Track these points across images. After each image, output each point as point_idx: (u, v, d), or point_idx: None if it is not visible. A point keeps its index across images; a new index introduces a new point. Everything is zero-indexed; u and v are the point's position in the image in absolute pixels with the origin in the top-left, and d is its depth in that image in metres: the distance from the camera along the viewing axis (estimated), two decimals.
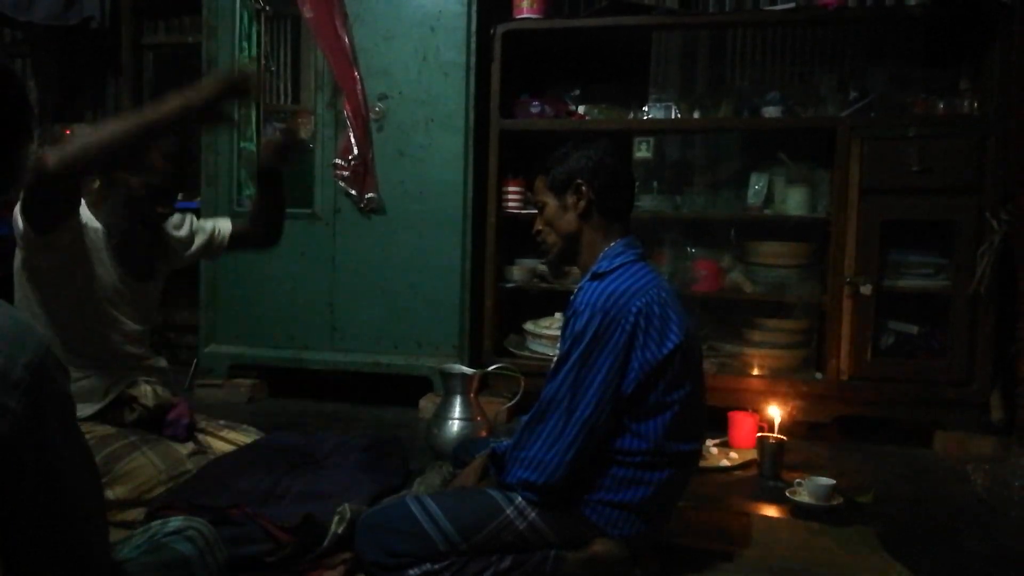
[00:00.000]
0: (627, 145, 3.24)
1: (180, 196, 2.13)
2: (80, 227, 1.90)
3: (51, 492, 0.91)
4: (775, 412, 2.65)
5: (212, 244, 2.26)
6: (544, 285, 3.27)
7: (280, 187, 2.20)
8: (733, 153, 3.29)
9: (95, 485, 1.04)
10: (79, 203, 1.85)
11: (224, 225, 2.29)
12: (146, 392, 2.05)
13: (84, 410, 1.95)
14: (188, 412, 2.12)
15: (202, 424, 2.19)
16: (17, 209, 1.77)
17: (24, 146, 1.02)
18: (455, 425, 2.44)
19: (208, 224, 2.27)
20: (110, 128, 1.62)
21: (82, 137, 1.66)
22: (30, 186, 1.66)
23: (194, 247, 2.24)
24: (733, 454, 2.60)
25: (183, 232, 2.22)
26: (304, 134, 2.44)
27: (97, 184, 2.00)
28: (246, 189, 3.37)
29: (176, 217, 2.18)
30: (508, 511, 1.58)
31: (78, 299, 1.95)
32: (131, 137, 1.61)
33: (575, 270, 1.80)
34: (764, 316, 3.12)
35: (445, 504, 1.60)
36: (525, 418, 1.64)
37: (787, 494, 2.19)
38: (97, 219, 1.98)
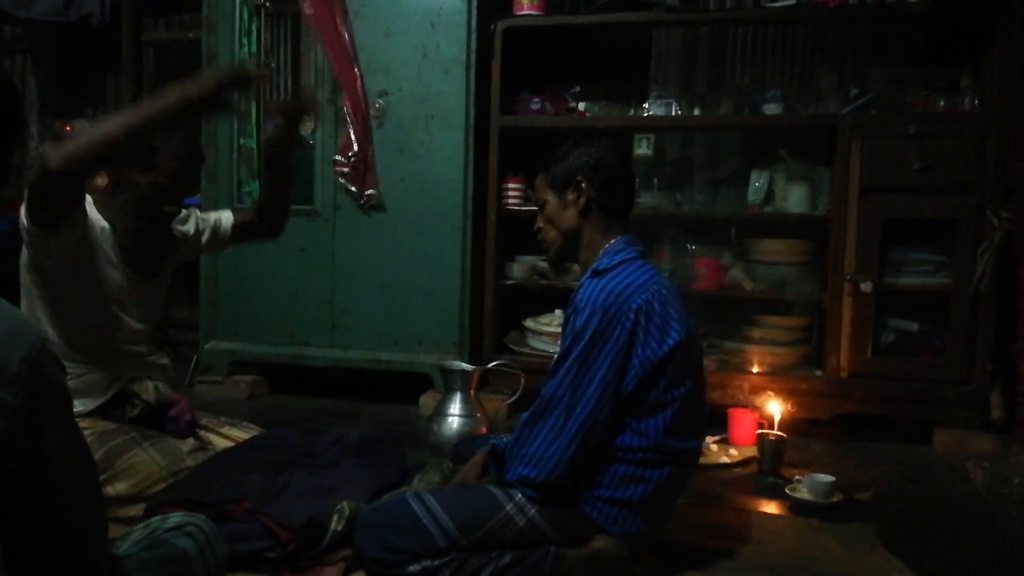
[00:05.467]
0: (627, 142, 3.23)
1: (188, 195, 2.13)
2: (86, 225, 1.90)
3: (48, 486, 0.91)
4: (775, 409, 2.66)
5: (216, 237, 2.25)
6: (544, 282, 3.27)
7: (288, 172, 2.17)
8: (733, 150, 3.29)
9: (93, 480, 1.04)
10: (83, 200, 1.85)
11: (226, 217, 2.28)
12: (147, 388, 2.05)
13: (86, 405, 1.96)
14: (189, 409, 2.12)
15: (203, 421, 2.20)
16: (22, 208, 1.77)
17: (17, 147, 1.02)
18: (455, 422, 2.44)
19: (211, 216, 2.27)
20: (110, 123, 1.64)
21: (83, 133, 1.66)
22: (34, 183, 1.67)
23: (199, 241, 2.23)
24: (733, 451, 2.61)
25: (188, 227, 2.21)
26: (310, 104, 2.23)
27: (105, 182, 2.00)
28: (245, 185, 3.37)
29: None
30: (508, 508, 1.58)
31: (83, 297, 1.95)
32: (132, 130, 1.62)
33: (576, 267, 1.80)
34: (764, 313, 3.12)
35: (445, 501, 1.60)
36: (525, 415, 1.64)
37: (787, 491, 2.19)
38: (104, 218, 1.98)
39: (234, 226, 2.26)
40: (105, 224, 1.97)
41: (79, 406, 1.92)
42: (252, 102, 3.36)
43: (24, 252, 1.90)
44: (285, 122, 2.01)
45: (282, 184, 2.19)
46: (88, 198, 1.96)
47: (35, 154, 1.66)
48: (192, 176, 2.04)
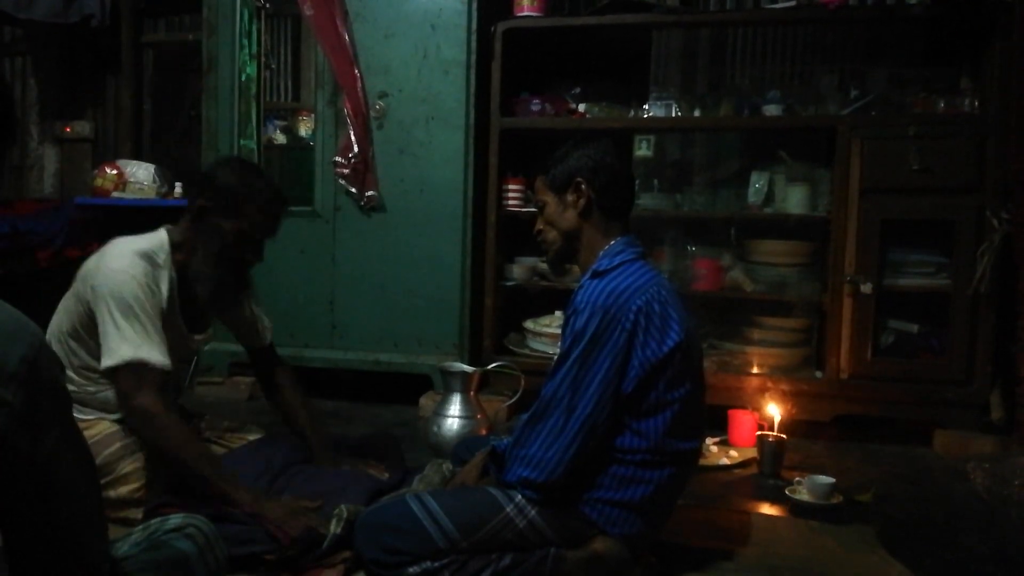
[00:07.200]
0: (627, 143, 3.24)
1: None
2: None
3: (48, 485, 0.92)
4: (775, 410, 2.65)
5: (248, 323, 2.22)
6: (544, 283, 3.27)
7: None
8: (733, 152, 3.29)
9: (92, 480, 1.04)
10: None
11: (268, 324, 2.26)
12: None
13: (94, 415, 1.94)
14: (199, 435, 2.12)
15: (206, 433, 2.19)
16: (110, 346, 1.78)
17: (9, 146, 1.02)
18: (455, 423, 2.44)
19: (260, 311, 2.23)
20: (198, 465, 1.75)
21: (182, 446, 1.77)
22: (122, 398, 1.80)
23: (251, 321, 2.20)
24: (733, 452, 2.60)
25: (249, 305, 2.18)
26: None
27: (186, 225, 1.94)
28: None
29: None
30: (508, 509, 1.58)
31: None
32: (197, 482, 1.75)
33: (576, 268, 1.80)
34: (764, 315, 3.12)
35: (445, 502, 1.60)
36: (525, 416, 1.64)
37: (787, 492, 2.19)
38: (175, 266, 1.92)
39: (263, 344, 2.27)
40: (173, 275, 1.92)
41: (88, 415, 1.91)
42: (253, 103, 3.36)
43: (72, 302, 1.88)
44: None
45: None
46: (163, 240, 1.92)
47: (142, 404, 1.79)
48: (277, 222, 1.96)
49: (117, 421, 1.95)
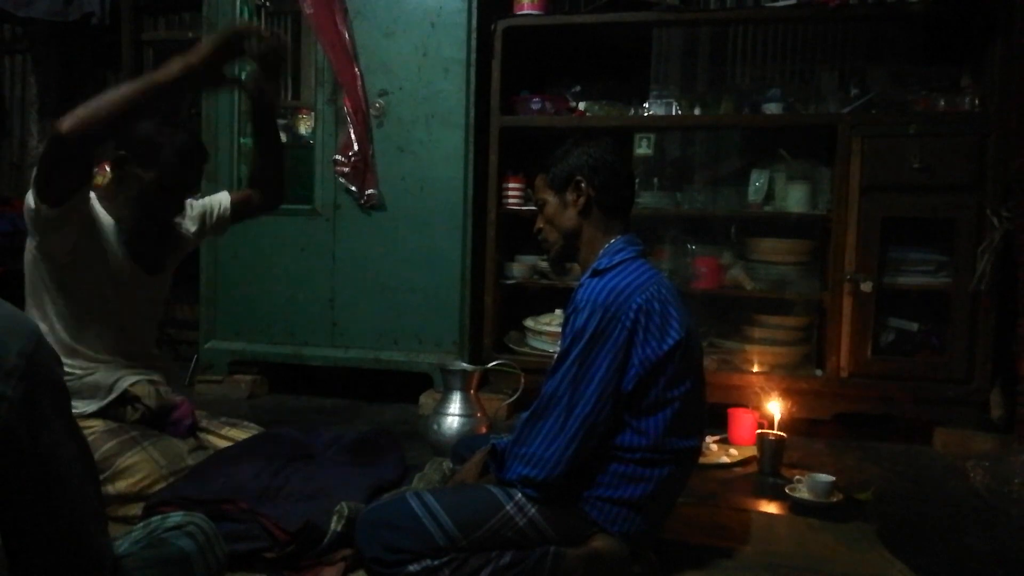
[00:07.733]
0: (628, 142, 3.23)
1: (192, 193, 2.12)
2: (92, 216, 1.91)
3: (48, 480, 0.92)
4: (775, 409, 2.66)
5: (215, 220, 2.22)
6: (544, 282, 3.27)
7: (275, 129, 2.12)
8: (734, 150, 3.29)
9: (92, 474, 1.04)
10: (91, 176, 1.83)
11: (223, 198, 2.25)
12: (149, 392, 2.04)
13: (87, 406, 1.96)
14: (191, 412, 2.12)
15: (203, 423, 2.19)
16: (30, 193, 1.75)
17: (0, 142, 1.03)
18: (455, 421, 2.44)
19: (207, 201, 2.24)
20: (119, 91, 1.62)
21: (93, 100, 1.63)
22: (45, 154, 1.67)
23: (196, 227, 2.21)
24: (733, 451, 2.61)
25: (187, 219, 2.20)
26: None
27: (106, 180, 1.99)
28: (246, 185, 3.37)
29: None
30: (508, 507, 1.58)
31: (90, 291, 1.95)
32: (138, 99, 1.61)
33: (576, 267, 1.80)
34: (764, 313, 3.12)
35: (445, 500, 1.60)
36: (525, 414, 1.64)
37: (786, 491, 2.19)
38: (109, 213, 1.97)
39: (233, 204, 2.24)
40: (111, 220, 1.97)
41: (80, 407, 1.92)
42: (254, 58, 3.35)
43: (29, 248, 1.90)
44: (260, 68, 1.88)
45: (272, 144, 2.11)
46: (92, 195, 1.96)
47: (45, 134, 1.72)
48: (195, 174, 2.02)
49: (107, 414, 1.97)
